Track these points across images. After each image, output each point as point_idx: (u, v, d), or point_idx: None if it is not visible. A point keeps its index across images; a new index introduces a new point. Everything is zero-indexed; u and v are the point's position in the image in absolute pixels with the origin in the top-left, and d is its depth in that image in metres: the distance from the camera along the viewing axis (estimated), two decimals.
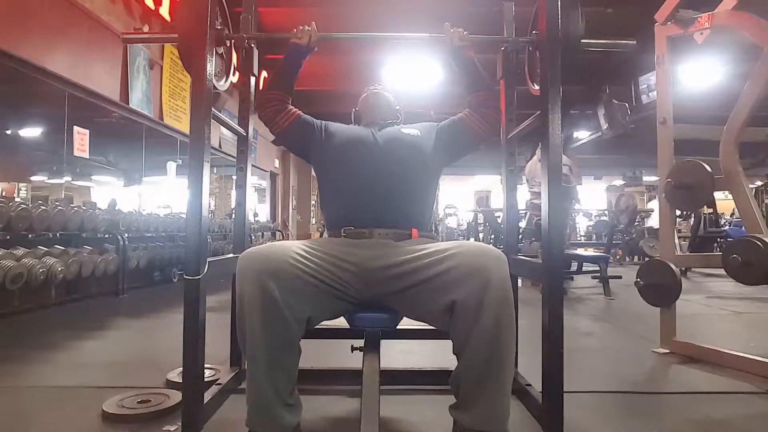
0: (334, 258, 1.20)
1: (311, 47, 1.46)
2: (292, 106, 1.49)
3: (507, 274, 1.08)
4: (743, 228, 2.03)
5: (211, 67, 1.20)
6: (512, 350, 1.07)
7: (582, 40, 1.28)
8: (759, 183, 10.20)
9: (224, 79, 1.56)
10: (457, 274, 1.07)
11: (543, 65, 1.23)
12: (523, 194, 4.73)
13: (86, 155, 4.40)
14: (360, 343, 1.27)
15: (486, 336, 1.03)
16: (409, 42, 1.58)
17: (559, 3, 1.22)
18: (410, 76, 7.38)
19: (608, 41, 1.38)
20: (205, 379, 1.29)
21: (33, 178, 9.95)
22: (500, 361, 1.04)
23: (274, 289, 1.05)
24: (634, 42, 1.37)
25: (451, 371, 1.14)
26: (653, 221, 8.07)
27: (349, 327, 1.28)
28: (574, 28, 1.25)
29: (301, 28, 1.44)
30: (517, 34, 1.69)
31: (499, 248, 1.24)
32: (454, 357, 1.10)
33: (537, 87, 1.37)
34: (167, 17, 4.88)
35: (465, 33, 1.43)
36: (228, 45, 1.55)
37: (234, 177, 1.68)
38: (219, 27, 1.38)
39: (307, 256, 1.16)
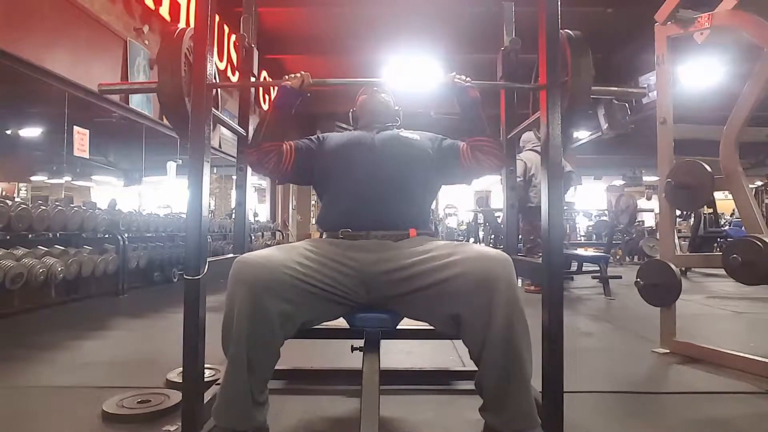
0: (334, 263, 1.20)
1: (303, 91, 1.35)
2: (285, 144, 1.39)
3: (513, 276, 1.09)
4: (743, 228, 2.03)
5: (211, 67, 1.20)
6: (529, 349, 1.08)
7: (593, 87, 1.24)
8: (759, 183, 10.19)
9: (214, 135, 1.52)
10: (461, 284, 1.08)
11: (544, 69, 1.23)
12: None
13: (86, 155, 4.40)
14: (360, 343, 1.27)
15: (500, 340, 1.04)
16: (408, 40, 1.57)
17: (568, 51, 1.22)
18: (410, 76, 7.38)
19: (618, 89, 1.36)
20: (205, 379, 1.28)
21: (33, 178, 9.95)
22: (519, 362, 1.05)
23: (267, 300, 1.06)
24: (645, 90, 1.37)
25: (451, 371, 1.14)
26: (649, 220, 8.08)
27: (349, 327, 1.28)
28: (586, 77, 1.22)
29: (293, 75, 1.36)
30: (517, 34, 1.70)
31: (498, 248, 1.24)
32: (455, 357, 1.10)
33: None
34: (167, 17, 4.88)
35: (467, 78, 1.36)
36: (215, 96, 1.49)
37: (234, 177, 1.67)
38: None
39: (306, 263, 1.16)
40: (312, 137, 1.50)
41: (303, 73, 1.35)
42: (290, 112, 1.38)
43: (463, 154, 1.40)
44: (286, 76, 1.36)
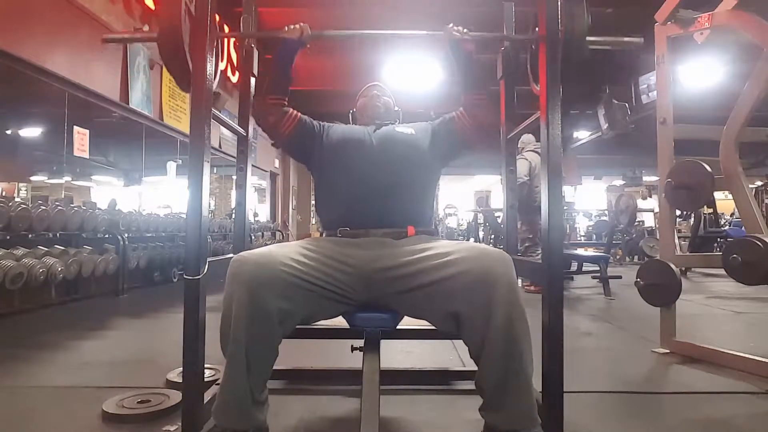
0: (332, 260, 1.19)
1: (303, 42, 1.39)
2: (290, 109, 1.45)
3: (513, 274, 1.09)
4: (743, 228, 2.03)
5: (211, 67, 1.20)
6: (529, 348, 1.08)
7: (587, 38, 1.25)
8: (759, 183, 10.19)
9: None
10: (461, 283, 1.08)
11: (543, 64, 1.23)
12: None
13: (86, 155, 4.40)
14: (360, 343, 1.27)
15: (500, 339, 1.04)
16: (407, 40, 1.56)
17: (561, 0, 1.21)
18: (410, 76, 7.38)
19: (614, 38, 1.36)
20: (205, 379, 1.28)
21: (33, 178, 9.95)
22: (519, 361, 1.05)
23: (265, 298, 1.06)
24: (641, 39, 1.36)
25: (451, 371, 1.14)
26: (648, 221, 8.08)
27: (349, 327, 1.28)
28: (579, 25, 1.22)
29: (292, 25, 1.39)
30: (518, 33, 1.69)
31: (499, 248, 1.24)
32: (454, 357, 1.10)
33: (539, 87, 1.35)
34: None
35: (465, 30, 1.38)
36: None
37: (234, 177, 1.67)
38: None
39: (303, 260, 1.16)
40: (317, 121, 1.51)
41: (302, 24, 1.38)
42: (291, 64, 1.43)
43: (459, 120, 1.42)
44: (286, 27, 1.39)
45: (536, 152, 4.29)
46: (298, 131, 1.45)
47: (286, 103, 1.45)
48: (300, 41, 1.38)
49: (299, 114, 1.46)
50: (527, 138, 4.42)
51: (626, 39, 1.36)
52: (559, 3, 1.20)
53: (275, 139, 1.46)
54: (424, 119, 1.56)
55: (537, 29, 1.32)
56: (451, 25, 1.38)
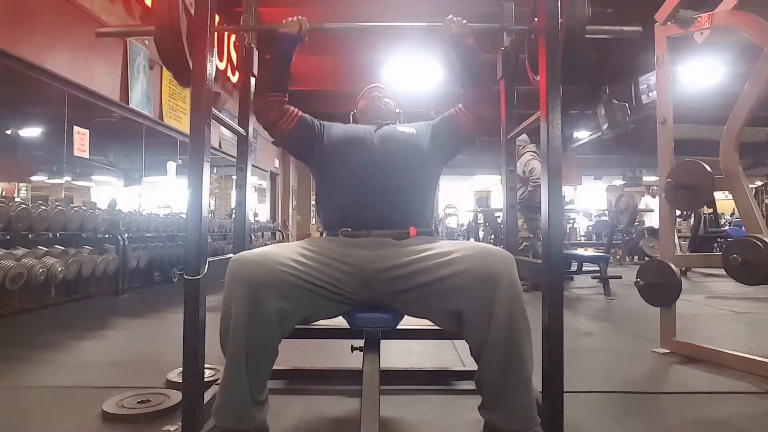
0: (333, 260, 1.19)
1: (301, 37, 1.38)
2: (291, 107, 1.45)
3: (515, 273, 1.09)
4: (743, 228, 2.03)
5: (211, 67, 1.20)
6: (530, 348, 1.08)
7: (587, 27, 1.23)
8: (759, 183, 10.19)
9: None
10: (463, 281, 1.08)
11: (543, 57, 1.22)
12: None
13: (86, 155, 4.40)
14: (360, 343, 1.27)
15: (501, 338, 1.04)
16: (407, 37, 1.55)
17: None
18: (410, 76, 7.38)
19: (614, 28, 1.35)
20: (205, 379, 1.28)
21: (33, 178, 9.94)
22: (520, 360, 1.05)
23: (264, 297, 1.06)
24: (640, 29, 1.36)
25: (451, 371, 1.14)
26: (652, 220, 8.08)
27: (349, 327, 1.28)
28: (581, 14, 1.20)
29: (290, 18, 1.38)
30: (517, 34, 1.69)
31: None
32: (454, 357, 1.10)
33: (537, 78, 1.34)
34: None
35: (464, 22, 1.37)
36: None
37: (234, 177, 1.67)
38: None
39: (303, 260, 1.15)
40: (315, 120, 1.50)
41: (300, 18, 1.37)
42: (290, 58, 1.41)
43: (459, 116, 1.41)
44: (284, 21, 1.38)
45: (534, 152, 4.31)
46: (299, 129, 1.44)
47: (286, 99, 1.44)
48: (298, 35, 1.38)
49: (300, 112, 1.46)
50: (524, 138, 4.43)
51: (626, 28, 1.35)
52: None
53: (275, 136, 1.46)
54: (424, 119, 1.56)
55: (536, 20, 1.31)
56: (450, 16, 1.37)
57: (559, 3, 1.20)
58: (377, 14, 6.42)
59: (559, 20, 1.20)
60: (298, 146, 1.51)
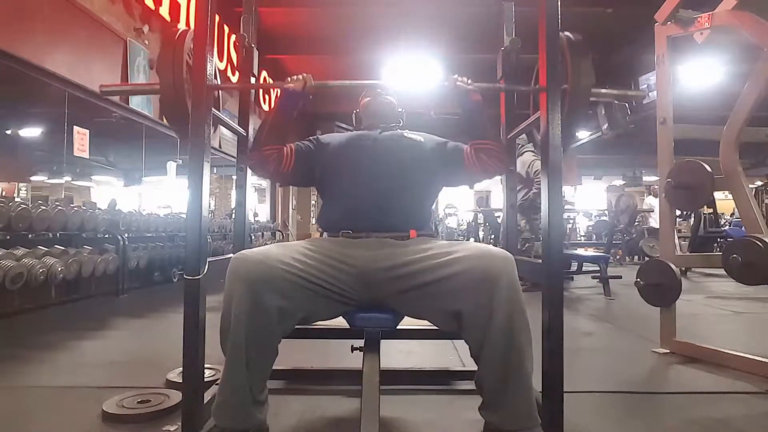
0: (333, 260, 1.19)
1: (306, 94, 1.35)
2: (284, 147, 1.39)
3: (515, 274, 1.09)
4: (743, 228, 2.03)
5: (210, 67, 1.20)
6: (529, 347, 1.08)
7: (593, 90, 1.24)
8: (759, 183, 10.19)
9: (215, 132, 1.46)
10: (462, 281, 1.08)
11: (543, 59, 1.22)
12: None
13: (86, 155, 4.40)
14: (360, 343, 1.27)
15: (500, 338, 1.04)
16: (408, 40, 1.56)
17: (569, 54, 1.22)
18: (410, 76, 7.38)
19: (618, 92, 1.36)
20: (205, 379, 1.28)
21: (33, 178, 9.95)
22: (519, 361, 1.06)
23: (265, 296, 1.06)
24: (645, 92, 1.37)
25: (451, 371, 1.14)
26: (654, 221, 8.08)
27: (349, 327, 1.28)
28: (585, 80, 1.21)
29: (295, 76, 1.35)
30: (517, 34, 1.70)
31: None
32: (454, 357, 1.10)
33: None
34: (167, 17, 4.88)
35: (469, 81, 1.36)
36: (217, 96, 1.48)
37: (234, 177, 1.67)
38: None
39: (304, 259, 1.15)
40: (311, 138, 1.49)
41: (305, 75, 1.35)
42: (293, 114, 1.38)
43: (467, 157, 1.39)
44: (288, 78, 1.36)
45: (532, 152, 4.31)
46: (299, 164, 1.41)
47: (283, 148, 1.39)
48: (303, 93, 1.34)
49: (294, 146, 1.42)
50: (522, 136, 4.44)
51: (630, 93, 1.37)
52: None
53: (280, 181, 1.44)
54: (425, 120, 1.56)
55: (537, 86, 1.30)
56: (455, 75, 1.37)
57: (558, 8, 1.20)
58: (378, 13, 6.42)
59: (563, 85, 1.22)
60: (303, 179, 1.47)
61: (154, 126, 5.24)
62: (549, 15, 1.20)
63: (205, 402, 1.20)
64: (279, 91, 1.37)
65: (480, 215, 9.02)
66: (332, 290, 1.17)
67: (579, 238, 10.47)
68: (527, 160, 4.27)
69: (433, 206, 1.54)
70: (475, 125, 1.38)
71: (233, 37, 6.12)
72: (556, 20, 1.20)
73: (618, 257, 7.83)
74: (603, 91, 1.29)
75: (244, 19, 1.63)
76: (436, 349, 2.20)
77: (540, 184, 4.08)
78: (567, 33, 1.25)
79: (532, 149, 4.37)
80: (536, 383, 1.12)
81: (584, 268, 5.20)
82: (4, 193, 9.01)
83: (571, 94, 1.22)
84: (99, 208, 4.06)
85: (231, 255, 1.45)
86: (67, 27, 3.80)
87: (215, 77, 1.25)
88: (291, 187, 10.83)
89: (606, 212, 9.57)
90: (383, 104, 1.57)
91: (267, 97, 7.50)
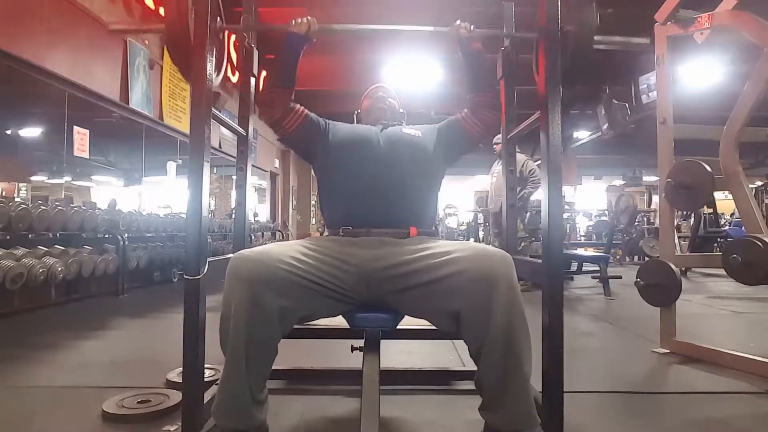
0: (334, 259, 1.19)
1: (309, 37, 1.39)
2: (297, 105, 1.45)
3: (514, 274, 1.09)
4: (743, 228, 2.03)
5: (211, 67, 1.20)
6: (528, 348, 1.08)
7: (595, 37, 1.23)
8: (759, 183, 10.19)
9: (219, 74, 1.50)
10: (461, 281, 1.08)
11: (542, 61, 1.22)
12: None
13: (86, 155, 4.40)
14: (360, 343, 1.27)
15: (499, 338, 1.04)
16: (410, 38, 1.56)
17: None
18: (411, 76, 7.38)
19: (622, 39, 1.36)
20: (205, 379, 1.28)
21: (33, 178, 9.94)
22: (518, 361, 1.06)
23: (265, 295, 1.06)
24: (648, 41, 1.36)
25: (451, 371, 1.14)
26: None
27: (349, 327, 1.28)
28: (588, 22, 1.20)
29: (299, 19, 1.39)
30: (519, 31, 1.69)
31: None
32: (454, 357, 1.10)
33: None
34: None
35: (471, 27, 1.40)
36: (221, 38, 1.50)
37: (234, 177, 1.67)
38: (219, 24, 1.36)
39: (304, 258, 1.15)
40: (324, 119, 1.51)
41: (309, 18, 1.39)
42: (297, 57, 1.42)
43: (465, 121, 1.44)
44: (293, 21, 1.39)
45: (524, 154, 4.46)
46: (304, 128, 1.44)
47: (292, 97, 1.44)
48: (306, 36, 1.38)
49: (305, 110, 1.45)
50: None
51: (634, 40, 1.36)
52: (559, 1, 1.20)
53: (280, 133, 1.45)
54: (426, 119, 1.57)
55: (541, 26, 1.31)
56: (458, 22, 1.39)
57: (558, 5, 1.20)
58: (378, 13, 6.42)
59: (566, 27, 1.21)
60: (302, 145, 1.50)
61: (154, 126, 5.23)
62: (549, 16, 1.20)
63: (205, 402, 1.20)
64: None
65: (480, 215, 9.02)
66: (332, 289, 1.17)
67: (579, 238, 10.47)
68: (520, 159, 4.30)
69: (437, 205, 1.54)
70: (477, 71, 1.44)
71: (233, 37, 6.12)
72: (556, 21, 1.20)
73: (618, 257, 7.83)
74: (606, 38, 1.30)
75: (244, 19, 1.62)
76: (435, 349, 2.20)
77: (536, 183, 4.15)
78: None
79: (523, 153, 4.47)
80: (536, 383, 1.12)
81: (584, 268, 5.20)
82: (4, 193, 9.01)
83: (574, 38, 1.21)
84: (99, 208, 4.06)
85: (231, 255, 1.45)
86: (67, 27, 3.80)
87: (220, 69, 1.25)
88: (291, 187, 10.84)
89: (606, 212, 9.57)
90: (385, 106, 1.57)
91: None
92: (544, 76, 1.20)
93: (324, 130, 1.47)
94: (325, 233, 1.40)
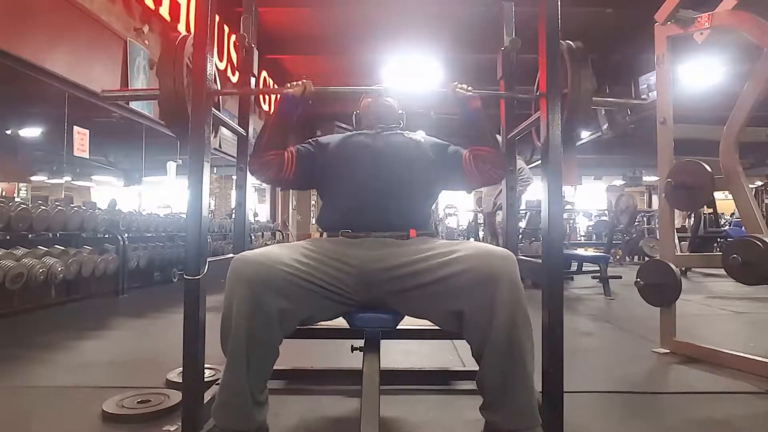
0: (333, 260, 1.19)
1: (305, 99, 1.36)
2: (285, 152, 1.39)
3: (517, 273, 1.09)
4: (743, 228, 2.03)
5: (210, 67, 1.20)
6: (531, 347, 1.08)
7: (593, 98, 1.25)
8: (759, 183, 10.20)
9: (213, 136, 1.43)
10: (464, 281, 1.08)
11: (543, 59, 1.23)
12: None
13: (86, 155, 4.41)
14: (360, 343, 1.27)
15: (502, 338, 1.04)
16: (408, 40, 1.56)
17: (568, 62, 1.22)
18: (410, 76, 7.38)
19: (619, 100, 1.37)
20: (205, 379, 1.28)
21: (33, 178, 9.96)
22: (521, 361, 1.05)
23: (266, 297, 1.06)
24: (645, 99, 1.38)
25: (451, 371, 1.14)
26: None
27: (349, 327, 1.28)
28: (586, 86, 1.22)
29: (295, 82, 1.36)
30: (517, 34, 1.70)
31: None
32: (454, 357, 1.10)
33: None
34: (167, 17, 4.88)
35: (469, 88, 1.37)
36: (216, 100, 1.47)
37: (234, 177, 1.67)
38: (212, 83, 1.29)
39: (305, 260, 1.15)
40: (310, 141, 1.49)
41: (305, 80, 1.36)
42: (292, 119, 1.39)
43: (466, 163, 1.39)
44: (288, 84, 1.37)
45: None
46: (300, 168, 1.40)
47: (284, 153, 1.39)
48: (302, 98, 1.35)
49: (295, 150, 1.42)
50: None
51: (632, 101, 1.36)
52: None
53: (281, 186, 1.44)
54: (425, 120, 1.56)
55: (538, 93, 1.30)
56: (455, 83, 1.37)
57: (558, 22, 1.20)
58: (378, 13, 6.41)
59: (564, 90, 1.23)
60: (302, 183, 1.47)
61: (154, 126, 5.23)
62: (549, 16, 1.20)
63: (205, 402, 1.20)
64: (279, 97, 1.37)
65: (480, 215, 9.02)
66: (333, 291, 1.17)
67: (579, 238, 10.47)
68: None
69: (433, 206, 1.54)
70: (475, 131, 1.38)
71: (233, 37, 6.12)
72: (556, 21, 1.20)
73: (618, 257, 7.83)
74: (603, 99, 1.30)
75: (244, 19, 1.63)
76: (436, 349, 2.20)
77: (525, 181, 4.14)
78: (568, 41, 1.26)
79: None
80: (536, 383, 1.12)
81: (584, 268, 5.20)
82: (4, 193, 9.01)
83: (572, 99, 1.22)
84: (99, 208, 4.06)
85: (231, 255, 1.45)
86: (67, 27, 3.79)
87: (215, 81, 1.25)
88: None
89: (606, 212, 9.57)
90: (383, 106, 1.57)
91: (267, 97, 7.50)
92: (544, 76, 1.21)
93: (317, 151, 1.45)
94: (324, 235, 1.39)
